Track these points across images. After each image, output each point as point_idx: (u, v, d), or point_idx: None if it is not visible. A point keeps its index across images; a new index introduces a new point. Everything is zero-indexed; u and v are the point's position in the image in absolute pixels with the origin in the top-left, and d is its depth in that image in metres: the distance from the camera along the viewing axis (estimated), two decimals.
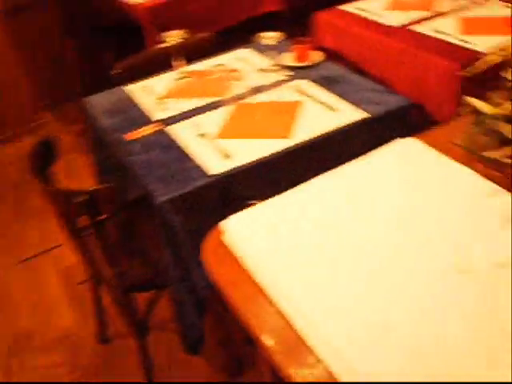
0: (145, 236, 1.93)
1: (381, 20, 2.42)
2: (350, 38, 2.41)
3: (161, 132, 1.83)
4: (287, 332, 0.95)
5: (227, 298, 1.05)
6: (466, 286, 0.96)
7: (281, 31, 2.33)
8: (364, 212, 1.17)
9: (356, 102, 1.84)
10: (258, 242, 1.14)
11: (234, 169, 1.59)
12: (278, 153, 1.64)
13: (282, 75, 2.09)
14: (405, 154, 1.35)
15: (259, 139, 1.71)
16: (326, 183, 1.29)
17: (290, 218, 1.19)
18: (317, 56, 2.19)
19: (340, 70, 2.11)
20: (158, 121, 1.89)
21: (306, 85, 2.00)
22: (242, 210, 1.24)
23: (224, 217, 1.23)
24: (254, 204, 1.26)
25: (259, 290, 1.03)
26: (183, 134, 1.79)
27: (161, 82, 2.18)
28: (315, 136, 1.69)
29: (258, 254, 1.11)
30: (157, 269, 1.78)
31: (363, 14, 2.50)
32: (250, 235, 1.16)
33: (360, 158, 1.36)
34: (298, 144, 1.67)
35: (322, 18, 2.58)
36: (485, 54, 1.90)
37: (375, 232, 1.12)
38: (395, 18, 2.42)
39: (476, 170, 1.24)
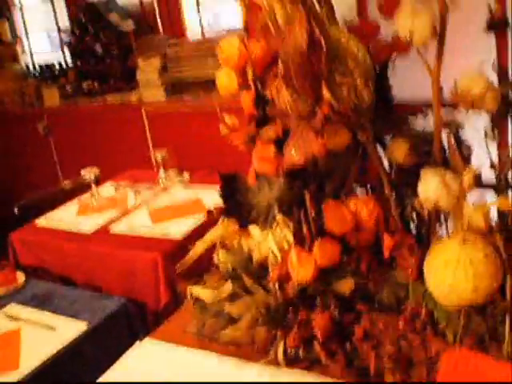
0: None
1: (76, 228, 2.45)
2: (50, 252, 2.42)
3: None
4: None
5: None
6: None
7: None
8: None
9: (73, 315, 1.86)
10: None
11: None
12: None
13: None
14: (146, 357, 1.34)
15: None
16: None
17: None
18: (20, 277, 2.17)
19: (48, 286, 2.12)
20: None
21: (17, 310, 1.95)
22: None
23: None
24: None
25: None
26: None
27: None
28: (44, 361, 1.64)
29: None
30: None
31: (58, 226, 2.51)
32: None
33: (105, 375, 1.31)
34: (29, 374, 1.60)
35: (18, 237, 2.54)
36: (181, 239, 2.11)
37: None
38: (90, 223, 2.46)
39: (216, 350, 1.30)
